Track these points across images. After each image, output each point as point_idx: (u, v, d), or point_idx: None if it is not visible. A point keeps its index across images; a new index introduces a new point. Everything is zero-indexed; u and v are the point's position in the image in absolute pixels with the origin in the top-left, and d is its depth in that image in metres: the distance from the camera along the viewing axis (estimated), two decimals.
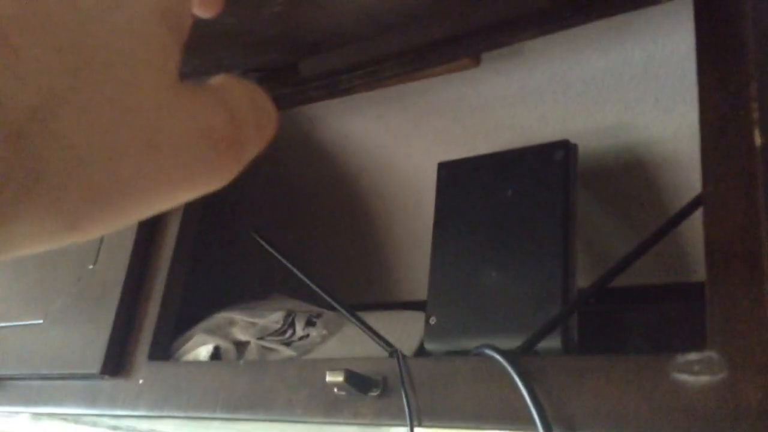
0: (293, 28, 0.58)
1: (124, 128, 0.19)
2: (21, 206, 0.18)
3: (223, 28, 0.54)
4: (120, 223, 0.20)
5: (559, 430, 0.43)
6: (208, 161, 0.21)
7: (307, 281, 0.68)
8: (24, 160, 0.17)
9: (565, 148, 0.66)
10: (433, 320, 0.66)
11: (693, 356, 0.41)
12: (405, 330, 0.70)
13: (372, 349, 0.60)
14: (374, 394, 0.51)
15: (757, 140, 0.33)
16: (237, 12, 0.52)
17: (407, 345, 0.68)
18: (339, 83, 0.73)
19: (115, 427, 0.83)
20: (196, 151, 0.21)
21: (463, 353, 0.55)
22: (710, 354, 0.40)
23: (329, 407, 0.53)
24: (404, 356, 0.52)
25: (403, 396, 0.49)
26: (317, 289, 0.67)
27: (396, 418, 0.50)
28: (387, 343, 0.57)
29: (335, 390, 0.51)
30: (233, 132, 0.22)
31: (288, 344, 0.68)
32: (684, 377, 0.40)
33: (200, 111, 0.21)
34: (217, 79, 0.23)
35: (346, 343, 0.69)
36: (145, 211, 0.21)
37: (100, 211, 0.19)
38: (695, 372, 0.40)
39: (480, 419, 0.47)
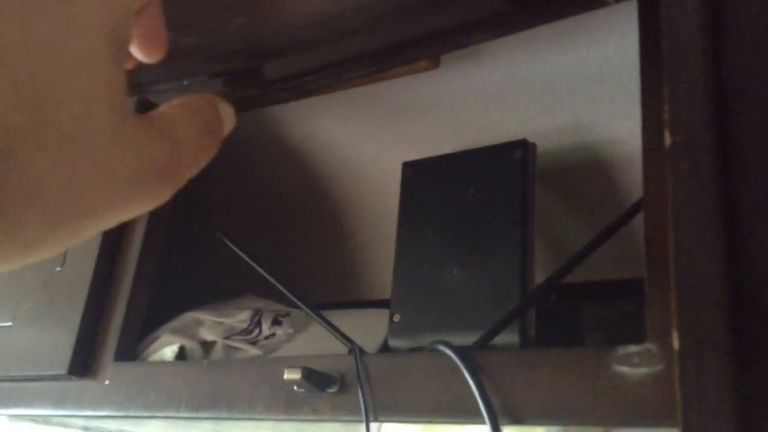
0: (255, 40, 0.59)
1: (79, 161, 0.20)
2: None
3: (184, 46, 0.55)
4: (73, 242, 0.22)
5: (506, 421, 0.44)
6: (150, 188, 0.23)
7: (273, 281, 0.69)
8: None
9: (523, 147, 0.68)
10: (396, 318, 0.67)
11: (633, 349, 0.42)
12: (369, 328, 0.71)
13: (336, 346, 0.62)
14: (332, 390, 0.52)
15: (667, 140, 0.35)
16: (197, 33, 0.53)
17: (372, 343, 0.69)
18: (303, 85, 0.74)
19: (85, 428, 0.84)
20: (140, 179, 0.22)
21: (422, 349, 0.57)
22: (649, 346, 0.41)
23: (289, 404, 0.54)
24: (362, 353, 0.53)
25: (359, 392, 0.50)
26: (282, 289, 0.68)
27: (353, 413, 0.51)
28: (347, 340, 0.59)
29: (294, 387, 0.53)
30: (173, 162, 0.23)
31: (254, 343, 0.69)
32: (624, 369, 0.42)
33: (145, 143, 0.22)
34: (161, 109, 0.25)
35: (311, 342, 0.70)
36: (93, 231, 0.22)
37: (54, 234, 0.21)
38: (635, 364, 0.42)
39: (433, 413, 0.48)
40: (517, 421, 0.44)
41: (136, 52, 0.27)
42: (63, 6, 0.21)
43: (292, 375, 0.51)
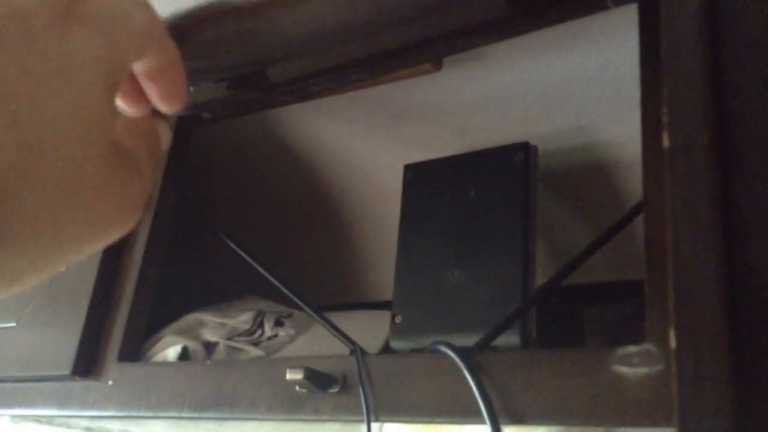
0: (257, 49, 0.60)
1: (70, 201, 0.21)
2: None
3: (194, 67, 0.56)
4: (52, 273, 0.23)
5: (507, 422, 0.45)
6: (128, 218, 0.24)
7: (275, 282, 0.70)
8: None
9: (525, 149, 0.68)
10: (398, 319, 0.68)
11: (632, 349, 0.42)
12: (371, 329, 0.71)
13: (338, 347, 0.62)
14: (334, 390, 0.53)
15: (665, 142, 0.35)
16: (208, 59, 0.53)
17: (373, 343, 0.69)
18: (306, 88, 0.74)
19: (88, 429, 0.84)
20: (121, 212, 0.23)
21: (423, 350, 0.57)
22: (648, 347, 0.42)
23: (291, 404, 0.54)
24: (363, 353, 0.54)
25: (361, 392, 0.51)
26: (284, 290, 0.69)
27: (355, 413, 0.51)
28: (349, 341, 0.59)
29: (296, 388, 0.53)
30: (144, 192, 0.25)
31: (257, 344, 0.70)
32: (624, 369, 0.42)
33: (125, 181, 0.24)
34: (124, 141, 0.25)
35: (313, 343, 0.71)
36: (73, 262, 0.23)
37: (39, 268, 0.21)
38: (634, 364, 0.42)
39: (434, 413, 0.48)
40: (517, 421, 0.45)
41: (157, 103, 0.28)
42: (62, 42, 0.21)
43: (294, 375, 0.51)
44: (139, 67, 0.26)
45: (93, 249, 0.23)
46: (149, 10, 0.25)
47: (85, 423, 0.78)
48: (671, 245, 0.33)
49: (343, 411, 0.52)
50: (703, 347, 0.31)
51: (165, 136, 0.29)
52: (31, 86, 0.20)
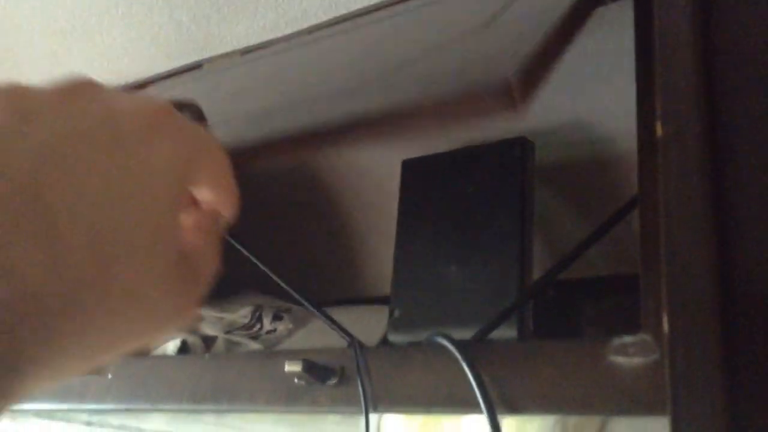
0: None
1: (133, 310, 0.21)
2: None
3: None
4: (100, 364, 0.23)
5: (503, 411, 0.45)
6: (185, 318, 0.24)
7: (274, 277, 0.70)
8: (38, 344, 0.19)
9: (522, 144, 0.68)
10: (396, 313, 0.68)
11: (628, 339, 0.43)
12: (369, 323, 0.72)
13: (335, 341, 0.62)
14: (332, 382, 0.53)
15: (658, 132, 0.35)
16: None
17: (371, 338, 0.70)
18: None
19: (88, 423, 0.84)
20: (177, 316, 0.23)
21: (421, 344, 0.57)
22: (643, 337, 0.42)
23: (289, 396, 0.55)
24: (361, 346, 0.54)
25: (359, 383, 0.51)
26: (283, 285, 0.69)
27: (352, 404, 0.52)
28: (347, 334, 0.59)
29: (295, 380, 0.53)
30: (200, 293, 0.25)
31: (255, 338, 0.70)
32: (619, 359, 0.42)
33: (184, 289, 0.23)
34: (189, 240, 0.25)
35: (311, 337, 0.71)
36: (122, 353, 0.23)
37: (89, 363, 0.22)
38: (630, 354, 0.42)
39: (431, 404, 0.49)
40: (514, 411, 0.45)
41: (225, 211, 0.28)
42: (144, 151, 0.21)
43: (292, 367, 0.52)
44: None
45: (143, 344, 0.23)
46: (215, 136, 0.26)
47: (84, 417, 0.79)
48: (663, 232, 0.34)
49: (341, 402, 0.53)
50: (695, 333, 0.31)
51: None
52: (112, 200, 0.20)
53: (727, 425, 0.30)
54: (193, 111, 0.37)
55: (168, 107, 0.23)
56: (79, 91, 0.22)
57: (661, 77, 0.36)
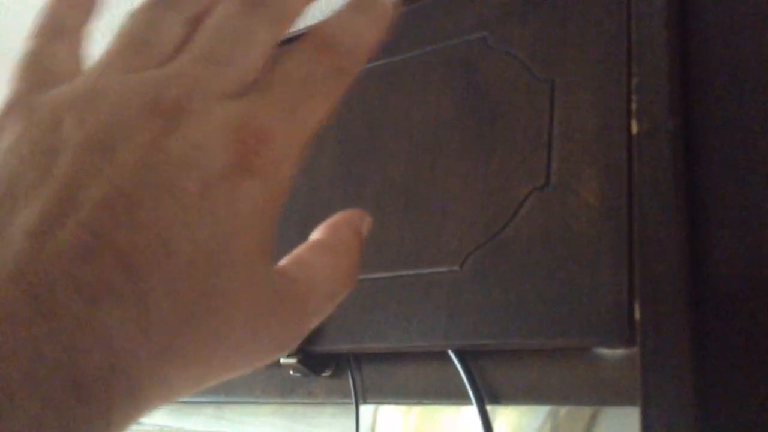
0: None
1: (224, 361, 0.20)
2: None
3: None
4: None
5: (489, 402, 0.46)
6: (282, 350, 0.22)
7: None
8: (125, 412, 0.18)
9: None
10: None
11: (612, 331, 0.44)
12: None
13: None
14: (327, 374, 0.54)
15: (634, 129, 0.37)
16: None
17: None
18: None
19: None
20: (268, 358, 0.22)
21: None
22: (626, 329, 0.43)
23: (285, 388, 0.56)
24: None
25: (349, 376, 0.52)
26: None
27: (347, 396, 0.53)
28: None
29: (291, 372, 0.55)
30: (302, 330, 0.22)
31: None
32: (603, 350, 0.44)
33: (285, 326, 0.22)
34: (300, 259, 0.23)
35: None
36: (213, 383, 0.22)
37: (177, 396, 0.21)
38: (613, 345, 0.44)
39: (422, 395, 0.50)
40: (500, 401, 0.46)
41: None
42: (232, 196, 0.19)
43: (288, 359, 0.53)
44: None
45: (237, 374, 0.22)
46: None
47: None
48: (636, 225, 0.35)
49: (336, 394, 0.54)
50: (665, 321, 0.32)
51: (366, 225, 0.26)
52: (198, 254, 0.19)
53: (696, 411, 0.31)
54: None
55: (257, 133, 0.20)
56: (156, 117, 0.19)
57: (637, 76, 0.37)
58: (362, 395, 0.52)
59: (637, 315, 0.34)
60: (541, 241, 0.44)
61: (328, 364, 0.54)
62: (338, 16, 0.23)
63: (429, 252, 0.49)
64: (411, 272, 0.49)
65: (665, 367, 0.31)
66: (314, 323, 0.23)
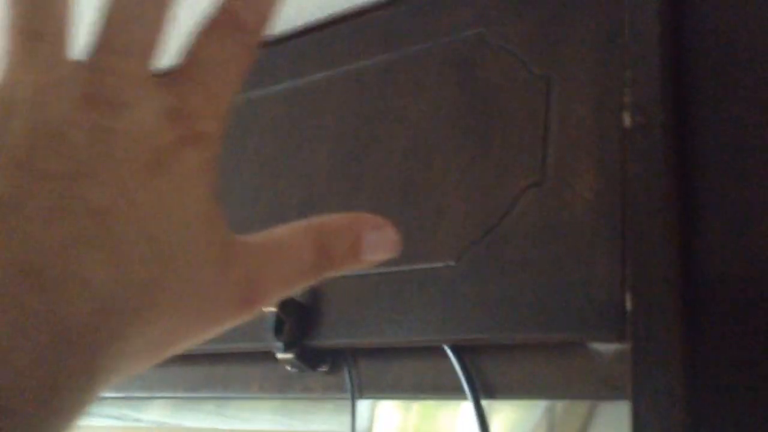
0: None
1: (196, 306, 0.21)
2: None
3: None
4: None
5: (484, 396, 0.46)
6: (232, 318, 0.23)
7: None
8: (113, 354, 0.19)
9: None
10: None
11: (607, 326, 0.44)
12: None
13: None
14: (323, 369, 0.54)
15: (627, 122, 0.37)
16: None
17: None
18: None
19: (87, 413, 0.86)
20: (226, 318, 0.23)
21: None
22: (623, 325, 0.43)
23: (282, 384, 0.56)
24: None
25: (346, 371, 0.52)
26: None
27: (344, 391, 0.53)
28: None
29: (288, 367, 0.55)
30: (263, 293, 0.24)
31: None
32: (598, 345, 0.44)
33: (246, 279, 0.23)
34: (276, 234, 0.24)
35: None
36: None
37: (136, 370, 0.22)
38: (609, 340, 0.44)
39: (418, 390, 0.50)
40: (495, 395, 0.46)
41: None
42: (181, 162, 0.22)
43: (285, 355, 0.53)
44: None
45: (205, 337, 0.23)
46: None
47: None
48: (629, 217, 0.35)
49: (332, 389, 0.54)
50: (656, 313, 0.32)
51: (386, 241, 0.27)
52: (160, 209, 0.21)
53: (687, 403, 0.31)
54: None
55: (189, 112, 0.23)
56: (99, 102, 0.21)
57: (631, 69, 0.37)
58: (359, 390, 0.52)
59: (629, 307, 0.34)
60: (537, 236, 0.45)
61: (324, 360, 0.54)
62: None
63: (425, 247, 0.49)
64: (407, 268, 0.49)
65: (656, 360, 0.31)
66: (269, 297, 0.24)
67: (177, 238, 0.21)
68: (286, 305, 0.52)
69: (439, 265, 0.48)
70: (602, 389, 0.43)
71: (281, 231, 0.25)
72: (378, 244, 0.27)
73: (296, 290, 0.25)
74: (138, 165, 0.21)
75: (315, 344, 0.52)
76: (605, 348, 0.43)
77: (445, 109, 0.52)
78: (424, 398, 0.50)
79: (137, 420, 0.80)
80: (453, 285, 0.46)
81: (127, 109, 0.22)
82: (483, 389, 0.47)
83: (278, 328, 0.52)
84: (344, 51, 0.62)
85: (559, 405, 0.53)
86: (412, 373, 0.51)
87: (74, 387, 0.18)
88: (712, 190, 0.35)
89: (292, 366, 0.54)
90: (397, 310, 0.48)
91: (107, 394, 0.67)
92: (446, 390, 0.48)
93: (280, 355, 0.53)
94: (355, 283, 0.51)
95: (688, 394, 0.31)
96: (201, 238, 0.22)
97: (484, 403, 0.47)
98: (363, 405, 0.57)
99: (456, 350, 0.48)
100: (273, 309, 0.52)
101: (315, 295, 0.53)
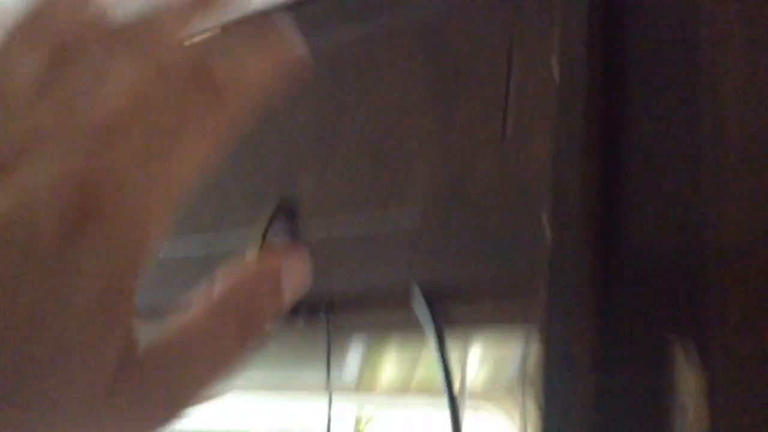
0: None
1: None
2: None
3: None
4: None
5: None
6: None
7: None
8: None
9: None
10: None
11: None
12: None
13: None
14: (299, 323, 0.58)
15: (555, 75, 0.40)
16: None
17: None
18: None
19: None
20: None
21: None
22: None
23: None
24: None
25: (323, 320, 0.56)
26: None
27: (320, 342, 0.57)
28: None
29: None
30: (173, 415, 0.19)
31: None
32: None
33: (137, 410, 0.19)
34: (182, 323, 0.20)
35: None
36: None
37: None
38: None
39: (389, 332, 0.54)
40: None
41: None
42: (64, 260, 0.17)
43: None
44: None
45: None
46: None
47: None
48: (550, 174, 0.38)
49: (309, 342, 0.58)
50: (570, 303, 0.36)
51: (297, 277, 0.22)
52: (25, 316, 0.16)
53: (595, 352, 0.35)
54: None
55: (99, 186, 0.17)
56: None
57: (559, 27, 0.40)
58: (334, 339, 0.56)
59: (543, 297, 0.37)
60: (496, 194, 0.48)
61: (299, 313, 0.57)
62: (227, 47, 0.19)
63: (394, 204, 0.52)
64: (377, 221, 0.52)
65: (567, 347, 0.35)
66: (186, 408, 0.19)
67: (45, 358, 0.17)
68: None
69: (407, 219, 0.51)
70: None
71: (189, 319, 0.20)
72: (293, 276, 0.21)
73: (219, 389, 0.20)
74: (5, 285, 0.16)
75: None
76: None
77: (414, 74, 0.55)
78: (395, 336, 0.53)
79: None
80: (419, 237, 0.49)
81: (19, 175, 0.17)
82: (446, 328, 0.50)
83: None
84: (317, 24, 0.65)
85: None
86: (383, 322, 0.54)
87: None
88: (635, 167, 0.38)
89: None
90: (367, 268, 0.51)
91: None
92: (415, 331, 0.52)
93: None
94: (330, 237, 0.54)
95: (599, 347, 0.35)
96: (82, 358, 0.17)
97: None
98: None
99: (424, 297, 0.51)
100: None
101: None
